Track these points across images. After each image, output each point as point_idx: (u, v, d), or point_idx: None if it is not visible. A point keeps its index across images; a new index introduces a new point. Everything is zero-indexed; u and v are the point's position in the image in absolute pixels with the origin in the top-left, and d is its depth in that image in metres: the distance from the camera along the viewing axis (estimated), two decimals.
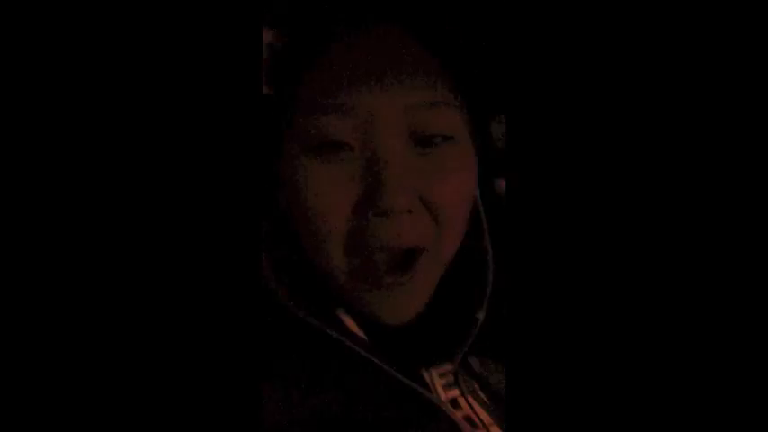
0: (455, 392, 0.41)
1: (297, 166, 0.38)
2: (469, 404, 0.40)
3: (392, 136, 0.37)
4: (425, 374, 0.41)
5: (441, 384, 0.41)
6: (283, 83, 0.39)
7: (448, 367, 0.42)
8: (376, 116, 0.37)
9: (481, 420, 0.40)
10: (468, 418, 0.39)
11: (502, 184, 0.47)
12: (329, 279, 0.40)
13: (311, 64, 0.38)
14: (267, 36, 0.39)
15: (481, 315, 0.42)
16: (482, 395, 0.42)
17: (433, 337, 0.41)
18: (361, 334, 0.40)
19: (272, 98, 0.39)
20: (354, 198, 0.37)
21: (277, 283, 0.39)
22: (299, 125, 0.38)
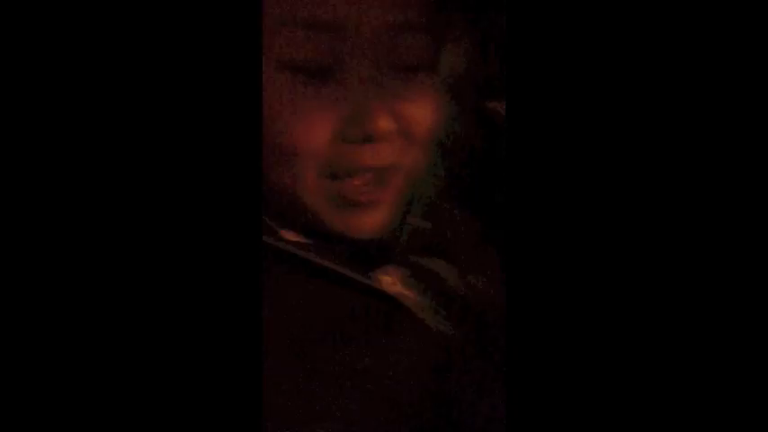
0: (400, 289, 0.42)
1: (269, 88, 0.35)
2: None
3: (370, 56, 0.36)
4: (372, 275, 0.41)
5: (387, 283, 0.41)
6: None
7: (392, 269, 0.42)
8: (351, 33, 0.35)
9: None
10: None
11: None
12: (285, 199, 0.39)
13: None
14: None
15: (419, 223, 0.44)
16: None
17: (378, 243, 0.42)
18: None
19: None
20: (335, 121, 0.37)
21: None
22: (268, 40, 0.35)
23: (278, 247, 0.39)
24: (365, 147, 0.37)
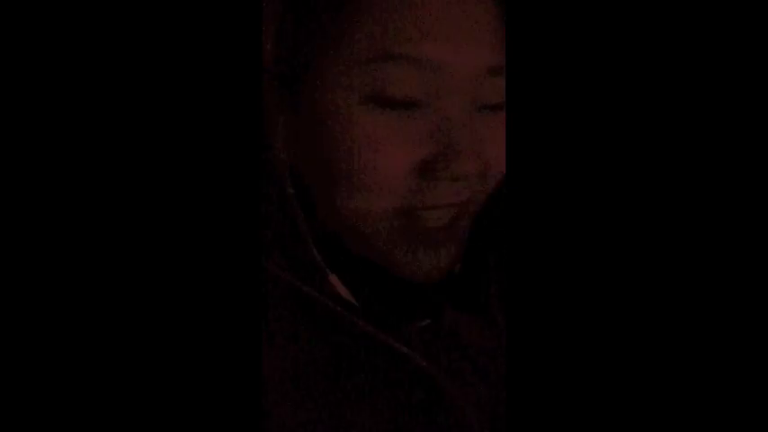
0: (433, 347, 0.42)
1: (355, 119, 0.35)
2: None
3: (461, 96, 0.36)
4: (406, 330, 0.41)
5: (420, 340, 0.41)
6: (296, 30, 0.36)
7: (427, 322, 0.42)
8: (445, 73, 0.35)
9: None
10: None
11: None
12: (353, 239, 0.39)
13: (338, 9, 0.35)
14: None
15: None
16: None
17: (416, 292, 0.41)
18: (348, 296, 0.41)
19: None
20: (418, 158, 0.36)
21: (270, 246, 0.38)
22: (354, 74, 0.35)
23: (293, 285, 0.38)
24: (446, 184, 0.37)
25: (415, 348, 0.40)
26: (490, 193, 0.40)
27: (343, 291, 0.41)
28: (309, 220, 0.40)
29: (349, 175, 0.36)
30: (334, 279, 0.41)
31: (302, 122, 0.38)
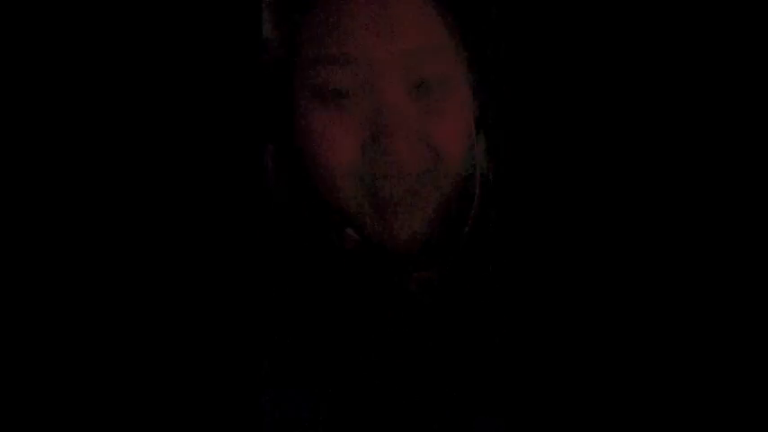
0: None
1: (305, 111, 0.43)
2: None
3: (392, 83, 0.41)
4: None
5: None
6: (283, 29, 0.43)
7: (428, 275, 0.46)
8: (374, 64, 0.41)
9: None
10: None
11: None
12: (338, 213, 0.45)
13: (306, 11, 0.41)
14: None
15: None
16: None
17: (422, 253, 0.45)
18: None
19: (273, 42, 0.43)
20: (360, 141, 0.42)
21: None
22: (303, 73, 0.42)
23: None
24: (392, 157, 0.42)
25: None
26: (461, 173, 0.45)
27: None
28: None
29: (314, 159, 0.43)
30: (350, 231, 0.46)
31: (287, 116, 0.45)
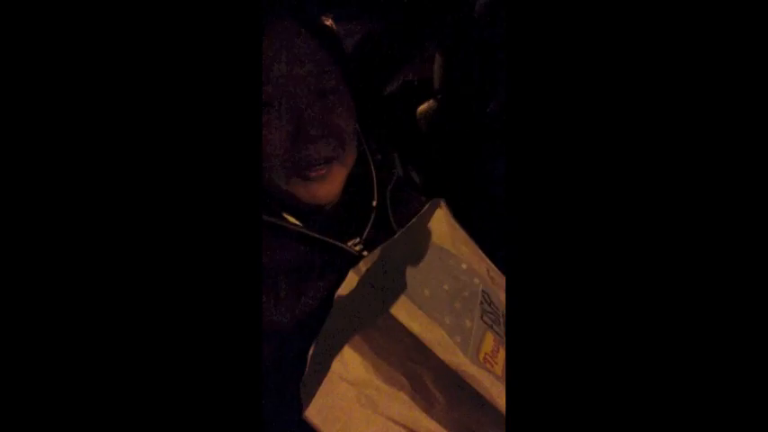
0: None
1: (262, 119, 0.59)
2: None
3: (301, 97, 0.59)
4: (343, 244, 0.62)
5: (354, 249, 0.64)
6: None
7: (357, 240, 0.65)
8: (288, 82, 0.58)
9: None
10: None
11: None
12: (275, 189, 0.62)
13: None
14: None
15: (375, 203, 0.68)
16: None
17: (346, 220, 0.66)
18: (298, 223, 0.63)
19: None
20: (285, 134, 0.59)
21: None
22: (264, 91, 0.58)
23: (276, 223, 0.60)
24: (312, 147, 0.60)
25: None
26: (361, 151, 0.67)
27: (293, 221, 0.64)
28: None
29: (267, 157, 0.60)
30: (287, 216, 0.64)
31: None
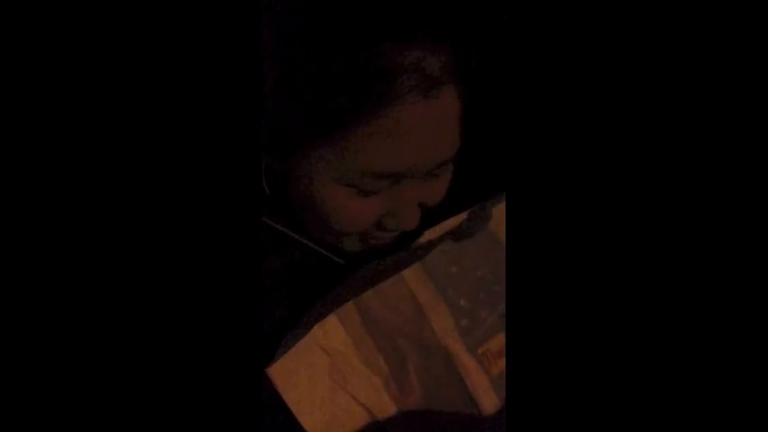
0: None
1: (325, 190, 0.48)
2: None
3: (413, 178, 0.48)
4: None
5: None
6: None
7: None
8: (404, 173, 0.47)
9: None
10: None
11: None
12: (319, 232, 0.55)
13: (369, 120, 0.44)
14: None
15: None
16: None
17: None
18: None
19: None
20: (377, 215, 0.50)
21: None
22: (341, 159, 0.45)
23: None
24: (400, 225, 0.51)
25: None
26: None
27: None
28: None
29: (322, 216, 0.50)
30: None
31: None
